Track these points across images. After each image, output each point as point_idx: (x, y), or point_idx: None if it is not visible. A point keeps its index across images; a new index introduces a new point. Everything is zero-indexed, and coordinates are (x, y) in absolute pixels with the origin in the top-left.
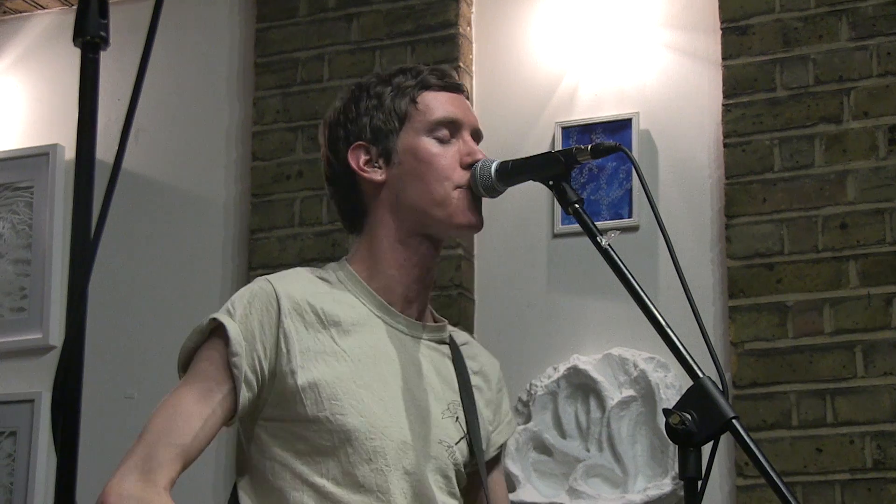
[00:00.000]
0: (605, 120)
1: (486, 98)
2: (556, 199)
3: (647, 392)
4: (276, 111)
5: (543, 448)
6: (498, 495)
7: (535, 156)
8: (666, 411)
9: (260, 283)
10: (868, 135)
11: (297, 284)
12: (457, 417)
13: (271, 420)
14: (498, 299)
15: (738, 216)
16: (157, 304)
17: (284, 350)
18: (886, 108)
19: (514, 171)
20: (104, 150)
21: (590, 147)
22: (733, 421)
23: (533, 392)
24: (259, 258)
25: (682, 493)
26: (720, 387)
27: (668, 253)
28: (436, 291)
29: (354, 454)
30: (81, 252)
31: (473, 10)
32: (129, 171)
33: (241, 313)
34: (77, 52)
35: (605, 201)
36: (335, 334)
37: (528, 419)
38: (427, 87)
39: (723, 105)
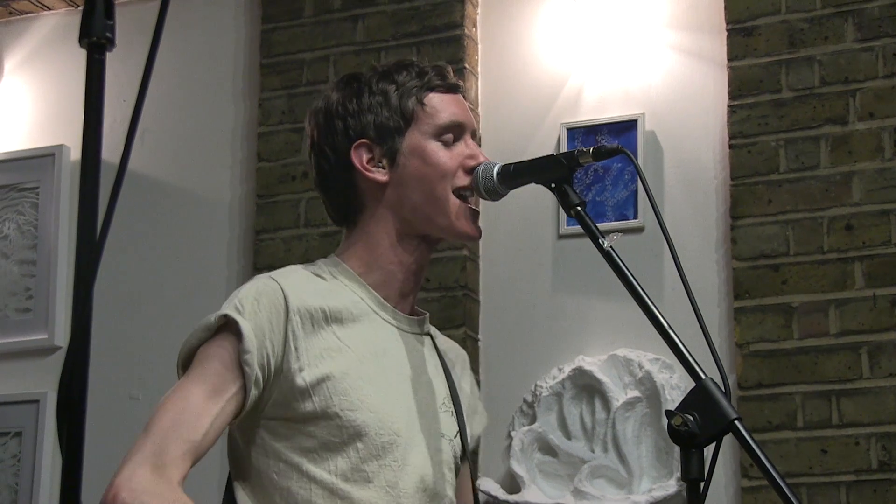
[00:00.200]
0: (610, 121)
1: (492, 99)
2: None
3: (652, 393)
4: (281, 112)
5: (548, 449)
6: (466, 487)
7: (537, 159)
8: (668, 413)
9: (264, 281)
10: (874, 136)
11: (300, 280)
12: (452, 412)
13: (275, 419)
14: (503, 300)
15: (743, 217)
16: (163, 305)
17: (293, 348)
18: (892, 110)
19: (516, 174)
20: (110, 150)
21: (592, 149)
22: (735, 422)
23: (538, 393)
24: (264, 259)
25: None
26: (722, 388)
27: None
28: (441, 292)
29: (364, 449)
30: (87, 253)
31: (479, 11)
32: (135, 171)
33: (250, 310)
34: (83, 53)
35: (610, 202)
36: (338, 330)
37: (533, 420)
38: (432, 87)
39: (728, 106)
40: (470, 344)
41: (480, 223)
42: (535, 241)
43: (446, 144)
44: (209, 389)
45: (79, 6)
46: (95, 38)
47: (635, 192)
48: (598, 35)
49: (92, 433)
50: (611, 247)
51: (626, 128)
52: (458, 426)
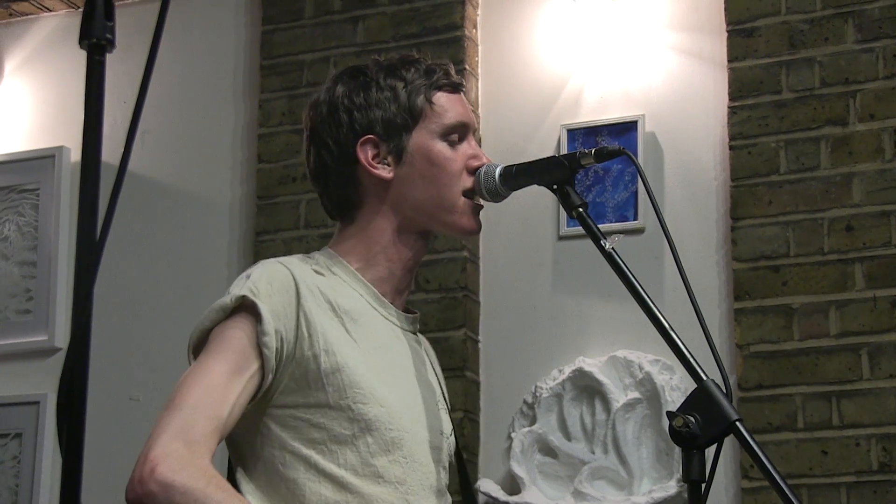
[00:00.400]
0: (610, 122)
1: (492, 100)
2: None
3: (652, 394)
4: (281, 113)
5: (548, 450)
6: None
7: (538, 160)
8: (670, 414)
9: (273, 266)
10: (874, 137)
11: (306, 270)
12: (446, 409)
13: (284, 407)
14: (503, 301)
15: (743, 218)
16: (163, 306)
17: (306, 334)
18: (892, 111)
19: (518, 176)
20: (110, 152)
21: (593, 151)
22: (737, 423)
23: (538, 394)
24: (264, 260)
25: (687, 495)
26: (724, 389)
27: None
28: (441, 293)
29: (374, 444)
30: (87, 254)
31: (479, 12)
32: (135, 173)
33: (265, 293)
34: (83, 54)
35: (610, 203)
36: (346, 323)
37: (533, 421)
38: (440, 87)
39: (728, 107)
40: (470, 345)
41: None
42: (535, 243)
43: (452, 145)
44: (231, 368)
45: (79, 7)
46: (95, 40)
47: (635, 194)
48: (599, 36)
49: (92, 434)
50: (612, 248)
51: (627, 129)
52: (452, 424)
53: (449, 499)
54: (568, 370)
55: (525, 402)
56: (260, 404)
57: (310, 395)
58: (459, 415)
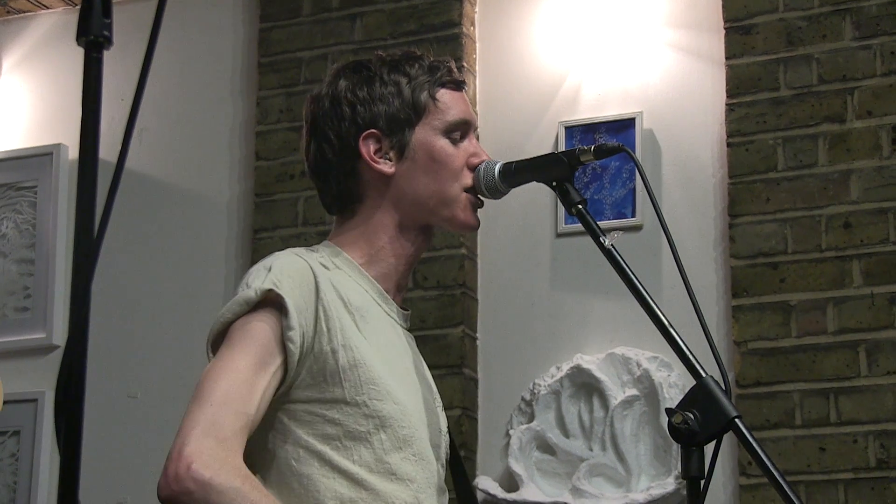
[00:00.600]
0: (608, 119)
1: (490, 98)
2: (559, 200)
3: (650, 391)
4: (279, 111)
5: (547, 447)
6: None
7: (538, 157)
8: (669, 410)
9: (292, 258)
10: (871, 134)
11: (318, 263)
12: (442, 407)
13: (299, 402)
14: (501, 299)
15: (741, 215)
16: (161, 304)
17: (324, 328)
18: (890, 108)
19: (518, 173)
20: (107, 149)
21: (593, 148)
22: (736, 420)
23: (536, 391)
24: (262, 258)
25: (685, 492)
26: (723, 386)
27: (671, 252)
28: (439, 290)
29: (388, 441)
30: (85, 252)
31: (477, 9)
32: (133, 170)
33: (288, 286)
34: (80, 51)
35: (608, 201)
36: (357, 319)
37: (531, 418)
38: (443, 84)
39: (726, 104)
40: (468, 342)
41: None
42: (533, 240)
43: (454, 142)
44: (256, 362)
45: (76, 5)
46: (93, 37)
47: (633, 191)
48: (597, 34)
49: (90, 432)
50: (612, 245)
51: (625, 126)
52: (447, 421)
53: (447, 494)
54: (566, 367)
55: (523, 399)
56: (274, 399)
57: (326, 391)
58: (457, 412)
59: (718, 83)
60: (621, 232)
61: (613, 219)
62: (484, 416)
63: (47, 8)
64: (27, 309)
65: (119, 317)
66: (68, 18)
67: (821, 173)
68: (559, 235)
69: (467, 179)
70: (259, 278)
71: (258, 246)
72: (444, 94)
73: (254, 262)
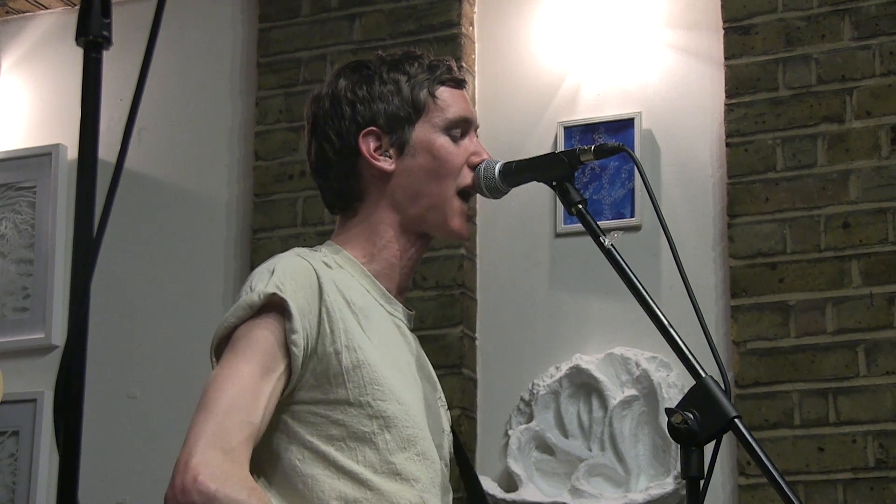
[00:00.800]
0: (607, 120)
1: (489, 98)
2: (558, 199)
3: (649, 391)
4: (278, 111)
5: (546, 447)
6: None
7: (538, 156)
8: (668, 410)
9: (293, 259)
10: (870, 134)
11: (320, 265)
12: (445, 407)
13: (303, 403)
14: (500, 299)
15: (740, 216)
16: (160, 304)
17: (328, 330)
18: (889, 108)
19: (518, 172)
20: (107, 149)
21: (593, 147)
22: (735, 420)
23: (535, 391)
24: (261, 258)
25: (684, 492)
26: (722, 386)
27: (670, 252)
28: (438, 291)
29: (392, 441)
30: (84, 252)
31: (476, 9)
32: (132, 170)
33: (291, 289)
34: (80, 51)
35: (607, 201)
36: (361, 319)
37: (530, 418)
38: (443, 81)
39: (725, 105)
40: (467, 342)
41: (478, 221)
42: (532, 240)
43: (454, 140)
44: (260, 369)
45: (76, 5)
46: (92, 37)
47: (632, 191)
48: (596, 34)
49: (89, 432)
50: (611, 245)
51: (624, 126)
52: (451, 420)
53: (451, 493)
54: (565, 367)
55: (522, 399)
56: (280, 400)
57: (330, 392)
58: (457, 412)
59: (717, 83)
60: (621, 232)
61: (612, 219)
62: (483, 416)
63: (46, 8)
64: (26, 309)
65: (118, 317)
66: (67, 18)
67: (820, 173)
68: (558, 235)
69: (466, 178)
70: (262, 281)
71: (257, 246)
72: (443, 92)
73: (253, 262)
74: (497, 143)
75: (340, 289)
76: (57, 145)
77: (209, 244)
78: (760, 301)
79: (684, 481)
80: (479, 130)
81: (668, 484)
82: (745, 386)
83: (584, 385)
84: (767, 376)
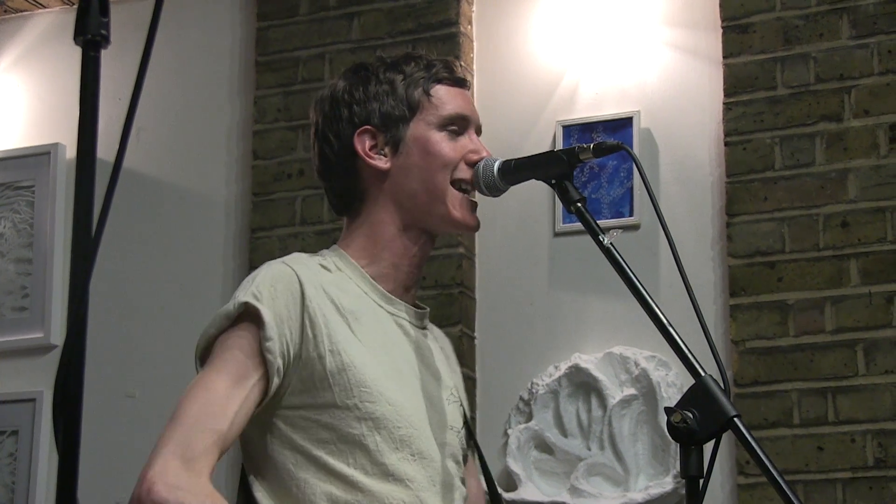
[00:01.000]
0: (605, 118)
1: (487, 97)
2: (557, 198)
3: (648, 391)
4: (277, 110)
5: (545, 447)
6: (475, 477)
7: (537, 155)
8: (668, 409)
9: (278, 267)
10: (869, 133)
11: (311, 269)
12: (459, 402)
13: (293, 408)
14: (499, 298)
15: (738, 214)
16: (158, 303)
17: (311, 335)
18: (887, 107)
19: (517, 170)
20: (105, 149)
21: (592, 146)
22: (735, 419)
23: (534, 391)
24: (260, 257)
25: (683, 491)
26: (722, 385)
27: (669, 251)
28: (437, 290)
29: (382, 442)
30: (82, 251)
31: (474, 8)
32: (130, 169)
33: (268, 297)
34: (78, 50)
35: (606, 200)
36: (351, 322)
37: (529, 418)
38: (440, 80)
39: (724, 103)
40: (466, 341)
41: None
42: (531, 239)
43: (450, 137)
44: (232, 378)
45: (74, 4)
46: (91, 36)
47: (631, 190)
48: (594, 32)
49: (88, 431)
50: (610, 243)
51: (622, 125)
52: (464, 417)
53: (462, 491)
54: (564, 367)
55: (521, 398)
56: (270, 406)
57: (317, 396)
58: None
59: (716, 82)
60: (620, 230)
61: (611, 218)
62: (482, 415)
63: (45, 7)
64: (25, 308)
65: (117, 316)
66: (66, 17)
67: (818, 172)
68: (557, 234)
69: (462, 173)
70: (242, 290)
71: (256, 245)
72: (439, 90)
73: (251, 261)
74: (495, 142)
75: (329, 292)
76: (55, 144)
77: (208, 243)
78: (759, 300)
79: (683, 480)
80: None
81: (667, 483)
82: (744, 385)
83: (583, 384)
84: (766, 375)
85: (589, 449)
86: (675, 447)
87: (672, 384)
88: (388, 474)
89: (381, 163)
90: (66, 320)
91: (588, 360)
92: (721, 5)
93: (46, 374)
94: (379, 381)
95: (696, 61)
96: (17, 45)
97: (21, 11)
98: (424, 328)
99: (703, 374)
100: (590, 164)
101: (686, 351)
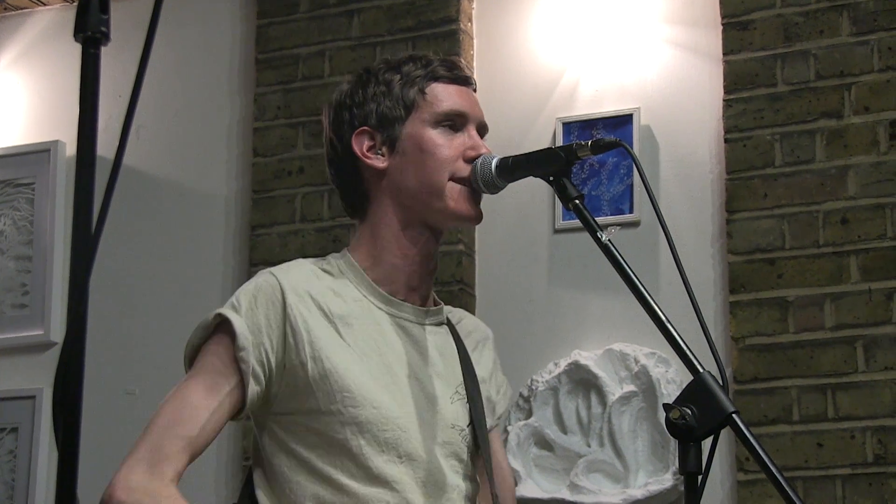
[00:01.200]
0: (606, 115)
1: (487, 94)
2: (556, 195)
3: (647, 387)
4: (276, 107)
5: (544, 443)
6: (499, 457)
7: (535, 152)
8: (666, 406)
9: (264, 277)
10: (869, 130)
11: (301, 277)
12: (465, 401)
13: (284, 414)
14: (499, 295)
15: (738, 211)
16: (158, 300)
17: (292, 343)
18: (887, 103)
19: (515, 167)
20: (105, 146)
21: (590, 143)
22: (733, 415)
23: (534, 387)
24: (260, 254)
25: (682, 488)
26: (721, 382)
27: (668, 248)
28: (437, 287)
29: (367, 446)
30: (82, 248)
31: (474, 5)
32: (130, 167)
33: (247, 307)
34: (78, 48)
35: (605, 197)
36: (340, 327)
37: (528, 414)
38: (436, 78)
39: (724, 100)
40: None
41: None
42: (531, 236)
43: (446, 133)
44: (206, 387)
45: (74, 1)
46: (90, 33)
47: (631, 187)
48: (594, 30)
49: (88, 429)
50: (609, 240)
51: (622, 122)
52: (472, 415)
53: (463, 488)
54: (564, 363)
55: (521, 395)
56: (265, 411)
57: (304, 402)
58: None
59: (716, 79)
60: (618, 227)
61: (611, 215)
62: None
63: (45, 4)
64: (25, 306)
65: (117, 313)
66: (66, 15)
67: (818, 169)
68: (556, 231)
69: (460, 170)
70: (227, 302)
71: (256, 243)
72: (435, 88)
73: (251, 258)
74: (495, 139)
75: (318, 299)
76: (55, 142)
77: (208, 240)
78: (759, 297)
79: (683, 477)
80: None
81: (666, 480)
82: (744, 382)
83: (582, 381)
84: (766, 372)
85: (588, 446)
86: (674, 444)
87: (672, 381)
88: (373, 477)
89: (379, 162)
90: (65, 317)
91: (588, 357)
92: (721, 2)
93: (46, 372)
94: (364, 385)
95: (697, 58)
96: (17, 43)
97: (21, 9)
98: (440, 324)
99: (701, 370)
100: (589, 161)
101: (685, 348)
